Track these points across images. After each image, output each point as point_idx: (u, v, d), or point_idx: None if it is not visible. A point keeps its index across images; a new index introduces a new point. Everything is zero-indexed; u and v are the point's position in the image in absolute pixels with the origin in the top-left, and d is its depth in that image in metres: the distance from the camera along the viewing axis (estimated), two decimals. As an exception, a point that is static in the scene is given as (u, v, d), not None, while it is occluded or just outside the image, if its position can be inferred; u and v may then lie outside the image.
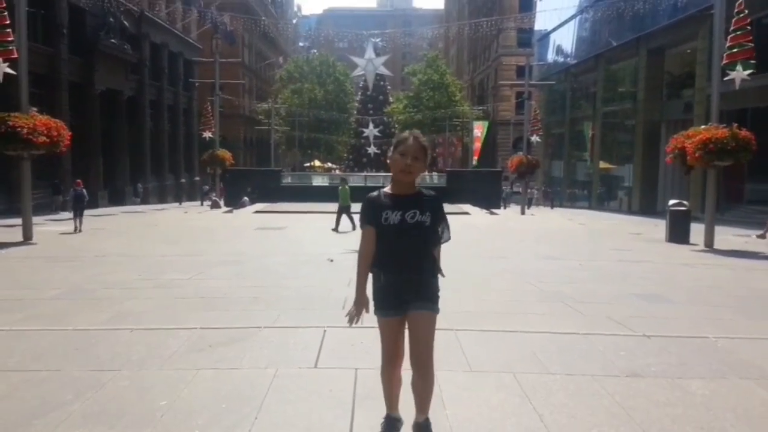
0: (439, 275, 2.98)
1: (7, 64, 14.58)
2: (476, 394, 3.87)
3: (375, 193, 2.93)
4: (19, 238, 14.89)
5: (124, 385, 4.11)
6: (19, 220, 16.87)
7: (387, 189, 2.93)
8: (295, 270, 9.62)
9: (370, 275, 2.91)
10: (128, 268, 9.93)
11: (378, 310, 2.90)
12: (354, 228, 16.20)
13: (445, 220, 2.95)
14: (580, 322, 6.07)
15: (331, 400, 3.70)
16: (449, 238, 2.98)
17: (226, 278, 8.85)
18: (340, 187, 18.37)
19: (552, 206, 39.79)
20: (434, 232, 2.90)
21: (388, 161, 2.90)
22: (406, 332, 2.94)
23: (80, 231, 17.71)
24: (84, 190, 19.00)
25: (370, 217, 2.88)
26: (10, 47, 14.57)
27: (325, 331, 4.42)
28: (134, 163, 37.54)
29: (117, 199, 34.23)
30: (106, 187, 33.35)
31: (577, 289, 8.11)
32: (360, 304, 2.89)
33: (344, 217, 17.25)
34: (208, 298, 7.24)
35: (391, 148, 2.91)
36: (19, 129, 14.14)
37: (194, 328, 5.52)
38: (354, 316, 2.90)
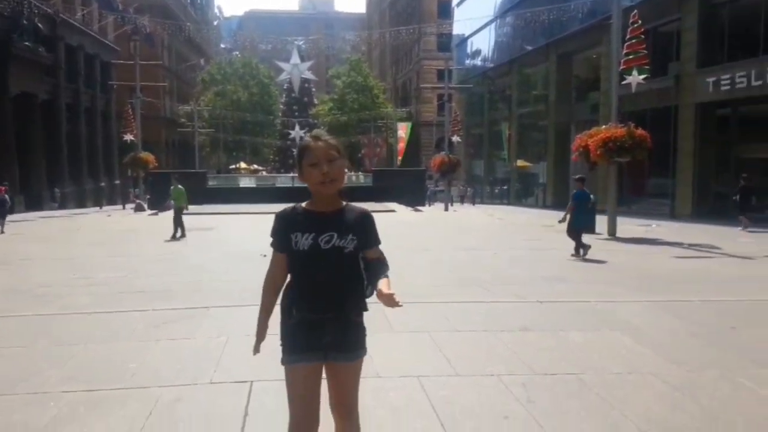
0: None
1: None
2: (397, 347, 4.65)
3: (288, 208, 2.39)
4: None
5: (93, 355, 4.69)
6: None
7: (305, 203, 2.38)
8: (229, 266, 9.99)
9: (280, 310, 2.37)
10: (59, 269, 9.98)
11: (286, 356, 2.33)
12: (180, 235, 15.33)
13: (377, 242, 2.41)
14: (488, 297, 6.92)
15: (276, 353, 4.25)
16: (384, 271, 2.36)
17: (162, 275, 9.12)
18: (172, 188, 17.00)
19: (474, 203, 41.31)
20: (358, 260, 2.34)
21: (300, 179, 2.37)
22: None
23: (2, 232, 18.10)
24: (7, 196, 19.30)
25: (278, 240, 2.35)
26: None
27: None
28: (51, 168, 36.21)
29: (34, 204, 32.94)
30: (22, 193, 32.06)
31: (491, 274, 8.94)
32: (259, 339, 2.44)
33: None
34: (148, 291, 7.55)
35: (297, 162, 2.37)
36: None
37: (147, 310, 6.00)
38: (255, 349, 2.45)
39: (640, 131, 16.04)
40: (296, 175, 2.37)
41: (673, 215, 24.27)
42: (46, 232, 19.15)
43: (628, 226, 18.14)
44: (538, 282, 8.21)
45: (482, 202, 42.76)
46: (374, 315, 2.21)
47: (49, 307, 6.57)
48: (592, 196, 12.60)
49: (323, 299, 2.29)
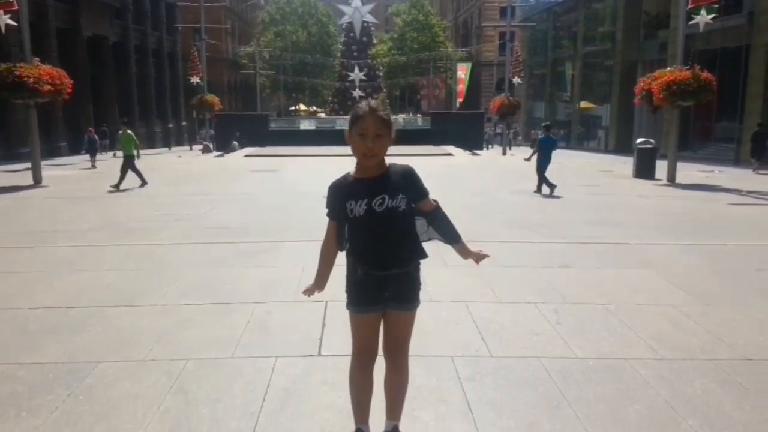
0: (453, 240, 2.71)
1: (8, 15, 15.20)
2: (449, 279, 5.37)
3: (339, 179, 2.56)
4: (29, 181, 15.81)
5: (196, 277, 5.66)
6: (19, 165, 17.80)
7: (353, 171, 2.54)
8: (295, 205, 10.80)
9: (345, 265, 2.60)
10: (144, 205, 11.05)
11: (351, 306, 2.59)
12: (142, 183, 14.46)
13: (426, 193, 2.58)
14: (535, 238, 7.51)
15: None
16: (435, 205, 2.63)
17: (237, 213, 10.00)
18: (119, 132, 15.76)
19: (532, 147, 40.94)
20: (412, 214, 2.56)
21: (347, 140, 2.49)
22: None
23: (95, 167, 20.73)
24: (96, 136, 22.01)
25: (332, 210, 2.56)
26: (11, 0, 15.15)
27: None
28: (122, 109, 37.93)
29: (108, 143, 34.85)
30: (96, 133, 33.89)
31: (541, 217, 9.45)
32: (315, 287, 2.72)
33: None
34: (228, 227, 8.44)
35: (348, 125, 2.48)
36: (25, 79, 14.90)
37: (234, 242, 6.94)
38: (309, 290, 2.73)
39: (705, 74, 15.69)
40: None
41: (738, 161, 23.71)
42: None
43: (689, 171, 18.04)
44: (585, 225, 8.67)
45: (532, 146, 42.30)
46: (430, 252, 2.73)
47: (145, 239, 7.58)
48: (555, 139, 14.70)
49: (384, 257, 2.49)
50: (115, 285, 5.37)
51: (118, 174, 14.40)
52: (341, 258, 2.64)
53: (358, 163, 2.50)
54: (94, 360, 3.68)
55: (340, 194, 2.51)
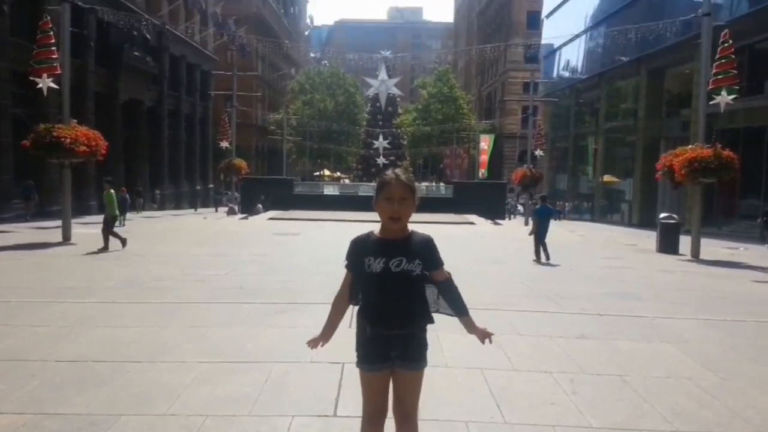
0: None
1: (51, 79, 16.06)
2: (465, 345, 5.32)
3: (363, 235, 2.72)
4: (59, 238, 16.25)
5: (217, 336, 5.80)
6: (50, 222, 18.30)
7: (376, 231, 2.69)
8: (317, 267, 10.96)
9: (355, 325, 2.74)
10: (168, 265, 11.30)
11: (361, 364, 2.69)
12: (102, 248, 13.85)
13: (441, 263, 2.70)
14: (553, 308, 7.51)
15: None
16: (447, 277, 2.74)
17: (259, 274, 10.20)
18: (104, 192, 15.22)
19: (555, 218, 40.99)
20: (424, 281, 2.67)
21: (374, 206, 2.66)
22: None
23: (124, 225, 21.71)
24: (127, 195, 23.07)
25: (351, 263, 2.71)
26: (54, 64, 16.04)
27: (352, 307, 6.00)
28: (153, 170, 39.08)
29: (136, 204, 35.75)
30: (131, 192, 34.86)
31: (563, 288, 9.45)
32: (321, 339, 2.84)
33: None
34: (249, 288, 8.60)
35: (375, 191, 2.66)
36: (62, 139, 15.58)
37: (254, 302, 7.06)
38: (315, 342, 2.85)
39: (727, 152, 15.83)
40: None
41: (764, 239, 23.45)
42: (151, 231, 21.05)
43: (714, 248, 17.90)
44: (606, 298, 8.65)
45: (564, 218, 42.38)
46: (446, 318, 2.84)
47: (169, 297, 7.75)
48: (552, 209, 15.94)
49: (393, 317, 2.60)
50: (137, 341, 5.50)
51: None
52: (354, 321, 2.74)
53: (382, 225, 2.65)
54: (116, 413, 3.78)
55: (361, 249, 2.65)
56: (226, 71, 43.64)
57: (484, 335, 2.82)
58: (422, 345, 2.70)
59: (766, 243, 19.84)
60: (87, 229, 20.38)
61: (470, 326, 2.80)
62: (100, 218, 26.06)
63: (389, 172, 2.69)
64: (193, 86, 46.06)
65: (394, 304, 2.61)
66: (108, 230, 14.42)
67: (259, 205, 33.67)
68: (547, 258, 13.38)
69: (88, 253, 13.05)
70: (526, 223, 32.13)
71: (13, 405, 3.88)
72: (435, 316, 2.77)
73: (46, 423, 3.62)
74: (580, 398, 4.23)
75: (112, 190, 15.16)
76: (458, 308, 2.76)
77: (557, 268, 12.25)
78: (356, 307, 2.76)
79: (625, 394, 4.36)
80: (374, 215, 2.67)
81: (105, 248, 13.89)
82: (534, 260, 13.37)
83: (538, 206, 15.03)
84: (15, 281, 9.08)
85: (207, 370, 4.65)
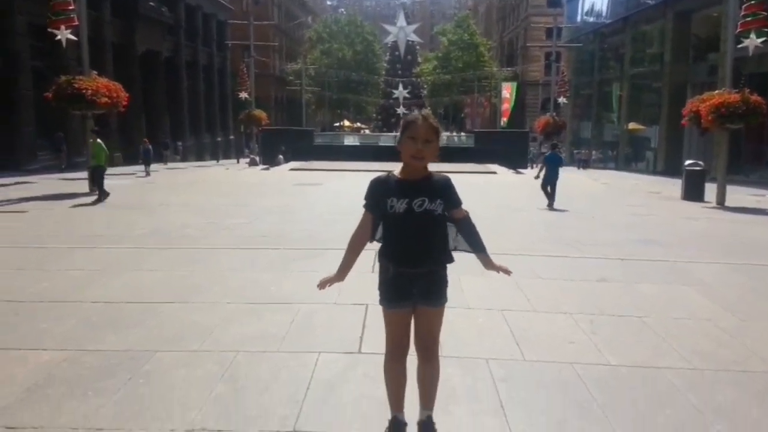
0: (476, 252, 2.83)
1: (69, 30, 16.05)
2: (485, 287, 5.50)
3: (383, 175, 2.73)
4: (85, 189, 16.52)
5: (242, 280, 5.98)
6: (76, 174, 18.58)
7: (396, 172, 2.70)
8: (339, 216, 11.04)
9: (377, 265, 2.79)
10: (192, 214, 11.46)
11: (385, 302, 2.76)
12: (100, 198, 13.77)
13: (459, 202, 2.75)
14: (575, 254, 7.56)
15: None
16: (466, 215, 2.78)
17: (281, 223, 10.31)
18: (91, 141, 14.87)
19: (579, 167, 40.55)
20: (445, 219, 2.72)
21: (397, 146, 2.68)
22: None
23: (149, 175, 22.95)
24: (150, 146, 23.89)
25: (372, 203, 2.71)
26: (72, 15, 16.01)
27: (375, 253, 6.13)
28: (173, 122, 39.21)
29: (159, 156, 36.05)
30: (158, 144, 35.08)
31: (586, 235, 9.44)
32: (336, 278, 2.86)
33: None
34: (271, 237, 8.73)
35: (400, 131, 2.69)
36: (84, 91, 15.68)
37: (278, 248, 7.22)
38: (326, 282, 2.87)
39: (755, 97, 15.45)
40: (399, 134, 2.76)
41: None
42: (175, 181, 21.32)
43: (740, 195, 17.66)
44: (629, 244, 8.65)
45: (586, 167, 41.88)
46: (468, 261, 2.90)
47: (194, 244, 7.95)
48: (563, 158, 16.33)
49: (417, 256, 2.66)
50: (166, 284, 5.69)
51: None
52: (376, 266, 2.81)
53: (404, 166, 2.68)
54: (152, 349, 3.96)
55: (383, 190, 2.67)
56: (242, 20, 43.13)
57: (502, 270, 2.87)
58: (443, 282, 2.77)
59: None
60: (112, 181, 20.69)
61: (487, 263, 2.85)
62: (125, 170, 26.74)
63: (415, 112, 2.70)
64: (209, 36, 45.67)
65: (417, 243, 2.66)
66: (99, 178, 14.26)
67: (280, 156, 33.75)
68: (551, 203, 13.68)
69: (76, 206, 12.92)
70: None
71: (53, 342, 4.08)
72: (456, 257, 2.82)
73: (85, 359, 3.81)
74: (600, 338, 4.31)
75: (99, 140, 14.86)
76: (476, 245, 2.80)
77: (580, 216, 12.22)
78: (377, 251, 2.80)
79: (644, 334, 4.44)
80: (396, 165, 2.71)
81: (101, 197, 13.85)
82: (547, 206, 13.63)
83: (547, 153, 15.28)
84: (47, 230, 9.33)
85: (235, 311, 4.81)
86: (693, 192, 16.81)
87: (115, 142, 31.13)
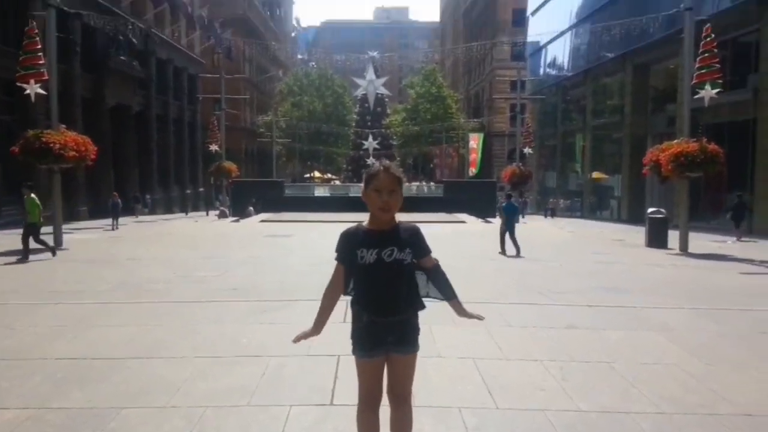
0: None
1: (38, 84, 16.04)
2: (457, 337, 5.55)
3: (352, 227, 2.78)
4: (51, 244, 16.18)
5: (212, 333, 5.92)
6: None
7: (365, 223, 2.76)
8: (311, 267, 11.02)
9: (350, 314, 2.82)
10: (161, 268, 11.31)
11: (358, 351, 2.77)
12: (22, 257, 12.84)
13: (428, 251, 2.81)
14: (544, 301, 7.67)
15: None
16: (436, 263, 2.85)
17: (251, 275, 10.25)
18: (25, 197, 13.69)
19: (546, 215, 41.28)
20: (414, 268, 2.77)
21: (363, 198, 2.74)
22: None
23: (117, 228, 22.80)
24: (119, 200, 23.58)
25: (342, 255, 2.76)
26: (42, 69, 16.02)
27: (347, 302, 6.06)
28: (142, 175, 38.96)
29: (127, 209, 35.65)
30: (118, 198, 34.75)
31: (553, 283, 9.58)
32: (312, 332, 2.87)
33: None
34: (242, 288, 8.66)
35: (363, 184, 2.73)
36: (51, 145, 15.57)
37: (249, 300, 7.13)
38: (302, 337, 2.88)
39: (713, 146, 16.04)
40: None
41: (751, 232, 23.75)
42: (143, 235, 21.03)
43: (702, 242, 18.13)
44: (595, 291, 8.79)
45: (554, 215, 42.67)
46: (439, 311, 2.94)
47: (163, 298, 7.83)
48: (517, 206, 17.61)
49: (388, 304, 2.70)
50: (135, 339, 5.58)
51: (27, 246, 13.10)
52: (350, 315, 2.83)
53: (371, 217, 2.73)
54: (118, 406, 3.87)
55: (353, 242, 2.72)
56: (213, 74, 43.64)
57: (473, 316, 2.91)
58: (415, 329, 2.80)
59: (738, 237, 20.54)
60: (78, 235, 20.38)
61: (459, 310, 2.89)
62: (91, 224, 26.34)
63: (377, 164, 2.76)
64: (180, 90, 45.97)
65: (389, 292, 2.70)
66: (26, 238, 13.15)
67: (251, 208, 33.66)
68: (518, 252, 14.05)
69: (5, 264, 12.12)
70: (516, 221, 32.38)
71: (16, 400, 3.96)
72: (427, 307, 2.85)
73: (49, 417, 3.70)
74: (570, 384, 4.35)
75: (33, 195, 13.70)
76: (447, 292, 2.85)
77: (548, 264, 12.40)
78: (349, 300, 2.83)
79: (613, 379, 4.50)
80: (366, 215, 2.76)
81: (24, 257, 12.83)
82: (500, 253, 14.24)
83: (504, 203, 16.16)
84: (10, 285, 9.12)
85: (204, 365, 4.74)
86: (656, 239, 17.21)
87: (82, 196, 30.81)
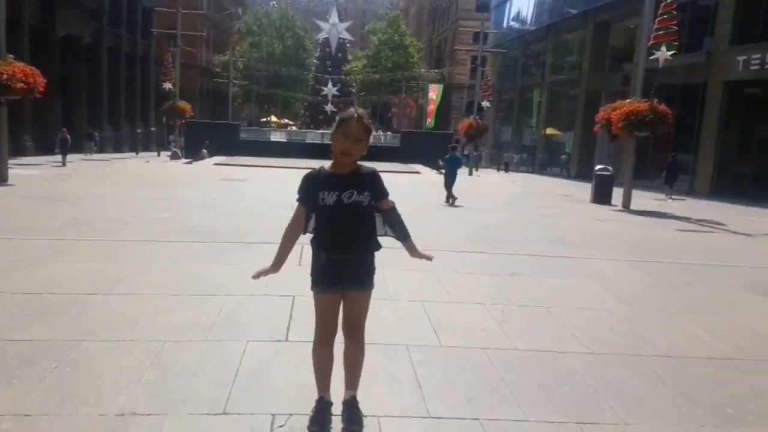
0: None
1: (-18, 11, 15.24)
2: (407, 279, 5.83)
3: (314, 171, 2.92)
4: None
5: (169, 271, 6.03)
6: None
7: (327, 166, 2.90)
8: (265, 212, 11.12)
9: (310, 252, 2.96)
10: (113, 207, 11.19)
11: (316, 287, 2.93)
12: None
13: (386, 194, 2.95)
14: (490, 250, 8.06)
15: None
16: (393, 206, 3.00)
17: (206, 218, 10.26)
18: None
19: (499, 169, 41.92)
20: (372, 209, 2.91)
21: (331, 137, 2.87)
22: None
23: (65, 165, 22.50)
24: (68, 136, 23.65)
25: (304, 197, 2.89)
26: (-12, -5, 15.21)
27: (302, 246, 6.14)
28: (91, 111, 37.61)
29: (76, 146, 34.50)
30: (68, 134, 33.59)
31: (499, 234, 9.96)
32: (271, 269, 2.99)
33: None
34: (197, 231, 8.70)
35: (334, 126, 2.86)
36: (-1, 75, 14.94)
37: (204, 242, 7.23)
38: (261, 273, 3.00)
39: (662, 107, 16.52)
40: (326, 131, 3.11)
41: (692, 192, 24.80)
42: (92, 173, 20.58)
43: (644, 199, 18.88)
44: (539, 242, 9.20)
45: (507, 170, 43.38)
46: (390, 255, 3.10)
47: (116, 236, 7.84)
48: (460, 158, 18.45)
49: (346, 244, 2.85)
50: (91, 275, 5.65)
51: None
52: (305, 258, 3.00)
53: (333, 160, 2.88)
54: (77, 339, 3.98)
55: (314, 184, 2.86)
56: (169, 8, 41.90)
57: (425, 258, 3.10)
58: (371, 269, 2.98)
59: (668, 195, 21.92)
60: (24, 171, 19.78)
61: (412, 250, 3.08)
62: (37, 159, 25.52)
63: (352, 110, 2.90)
64: (134, 23, 44.04)
65: (346, 232, 2.86)
66: None
67: (204, 150, 33.10)
68: (452, 201, 15.07)
69: None
70: (470, 174, 32.86)
71: (-27, 332, 4.03)
72: (381, 252, 3.02)
73: (9, 348, 3.79)
74: (509, 326, 4.68)
75: None
76: (402, 233, 3.03)
77: (496, 216, 12.81)
78: (309, 240, 2.98)
79: (549, 322, 4.85)
80: (323, 162, 2.92)
81: None
82: (445, 202, 15.11)
83: (447, 156, 16.78)
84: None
85: (162, 302, 4.86)
86: (601, 196, 17.87)
87: (28, 130, 29.66)
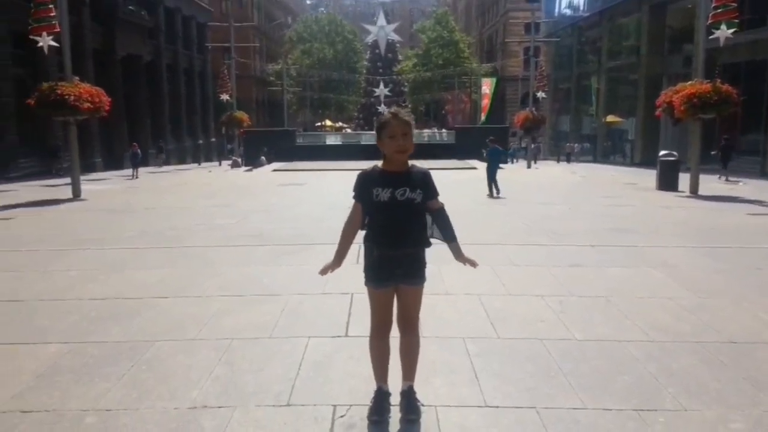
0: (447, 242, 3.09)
1: (51, 37, 16.14)
2: (464, 274, 5.71)
3: (368, 168, 3.02)
4: (69, 195, 16.62)
5: (235, 274, 6.29)
6: (57, 180, 18.57)
7: (380, 164, 3.00)
8: (324, 213, 11.33)
9: (363, 249, 3.07)
10: (180, 216, 11.66)
11: (370, 282, 3.03)
12: None
13: (436, 194, 3.03)
14: (550, 242, 7.97)
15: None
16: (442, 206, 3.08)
17: (269, 222, 10.55)
18: None
19: (559, 160, 41.10)
20: (424, 208, 2.99)
21: (378, 145, 2.97)
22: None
23: (137, 177, 23.64)
24: (139, 151, 24.90)
25: (360, 194, 3.00)
26: (53, 21, 16.09)
27: (359, 246, 6.28)
28: (155, 126, 39.15)
29: (141, 160, 35.99)
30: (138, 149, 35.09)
31: (561, 225, 9.81)
32: (334, 264, 3.12)
33: None
34: (260, 235, 8.96)
35: (376, 133, 2.98)
36: (66, 96, 15.77)
37: (268, 245, 7.50)
38: (326, 269, 3.13)
39: (726, 87, 15.89)
40: None
41: (764, 173, 23.68)
42: (159, 185, 21.42)
43: (713, 184, 18.20)
44: (602, 232, 9.02)
45: (569, 160, 42.48)
46: (447, 252, 3.13)
47: (185, 243, 8.18)
48: (505, 151, 18.00)
49: (398, 239, 2.94)
50: (163, 281, 5.95)
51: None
52: (362, 257, 3.10)
53: (386, 160, 2.98)
54: (151, 339, 4.23)
55: (369, 181, 2.98)
56: (221, 22, 43.15)
57: (470, 263, 3.15)
58: (422, 263, 3.06)
59: (721, 176, 21.66)
60: (95, 186, 20.81)
61: (457, 252, 3.14)
62: (106, 174, 26.79)
63: (386, 112, 3.00)
64: (189, 39, 45.61)
65: (399, 228, 2.95)
66: None
67: (263, 158, 33.89)
68: (497, 192, 15.19)
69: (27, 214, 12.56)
70: (528, 166, 32.37)
71: (57, 336, 4.33)
72: (437, 249, 3.10)
73: (89, 350, 4.06)
74: (568, 316, 4.65)
75: None
76: (448, 234, 3.09)
77: (557, 208, 12.61)
78: (362, 240, 3.09)
79: (609, 312, 4.79)
80: (377, 163, 3.01)
81: None
82: (488, 195, 15.15)
83: (489, 148, 16.61)
84: (35, 234, 9.51)
85: (228, 303, 5.09)
86: (667, 182, 17.28)
87: (97, 147, 31.16)
